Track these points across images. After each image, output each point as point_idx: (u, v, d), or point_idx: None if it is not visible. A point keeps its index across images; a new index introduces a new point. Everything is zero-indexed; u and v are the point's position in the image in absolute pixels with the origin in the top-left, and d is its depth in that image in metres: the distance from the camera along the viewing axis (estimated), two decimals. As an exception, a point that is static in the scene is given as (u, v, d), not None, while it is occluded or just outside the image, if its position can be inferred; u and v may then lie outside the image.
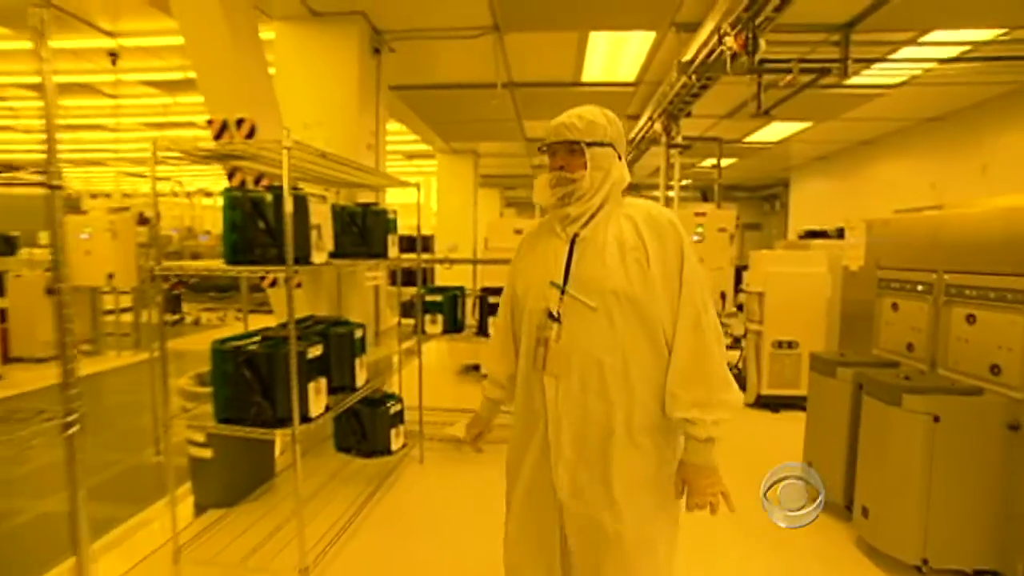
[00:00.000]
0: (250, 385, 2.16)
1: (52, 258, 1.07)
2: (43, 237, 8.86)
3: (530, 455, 1.46)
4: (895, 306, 3.08)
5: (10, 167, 1.22)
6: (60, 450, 3.93)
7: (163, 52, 5.58)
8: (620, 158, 1.45)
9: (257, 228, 2.27)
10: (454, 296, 3.86)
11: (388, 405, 3.29)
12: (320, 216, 2.38)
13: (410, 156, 11.32)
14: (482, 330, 3.74)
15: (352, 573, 2.48)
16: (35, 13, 1.05)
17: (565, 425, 1.39)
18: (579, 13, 3.80)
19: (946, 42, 4.10)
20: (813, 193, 11.46)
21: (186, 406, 2.86)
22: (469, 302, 3.96)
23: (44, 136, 1.05)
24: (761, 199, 14.90)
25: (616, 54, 4.73)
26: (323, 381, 2.33)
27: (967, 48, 4.20)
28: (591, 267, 1.38)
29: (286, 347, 2.15)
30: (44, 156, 1.05)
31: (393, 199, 4.24)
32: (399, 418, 3.36)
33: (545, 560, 1.48)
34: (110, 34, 5.15)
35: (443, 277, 7.16)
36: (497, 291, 3.75)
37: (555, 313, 1.39)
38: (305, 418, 2.17)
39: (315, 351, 2.30)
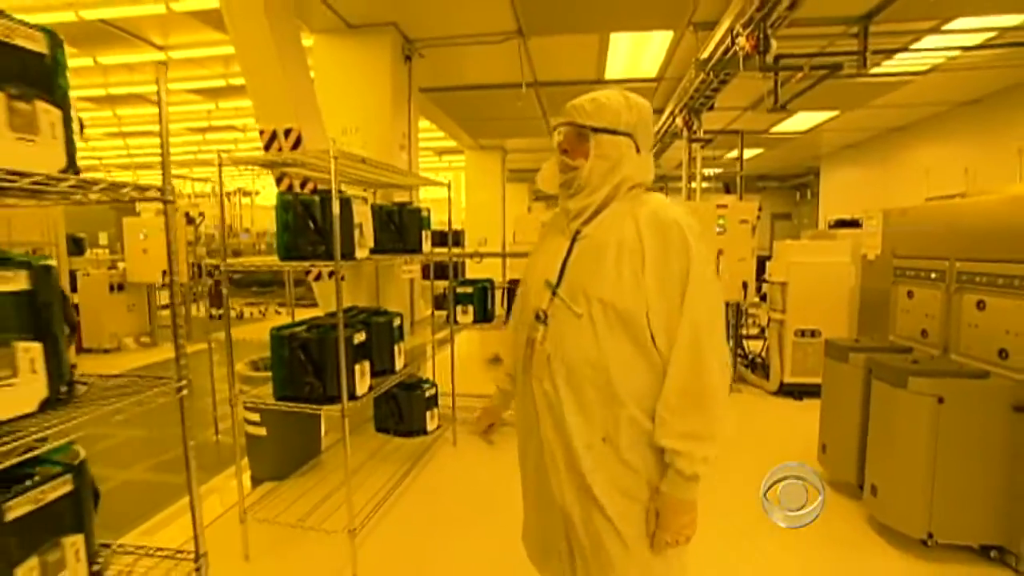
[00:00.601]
0: (304, 367, 2.45)
1: (168, 258, 1.34)
2: (103, 238, 9.51)
3: (530, 456, 1.41)
4: (910, 294, 3.17)
5: (139, 187, 1.43)
6: (136, 429, 4.38)
7: (206, 62, 5.98)
8: (639, 150, 1.29)
9: (307, 228, 2.54)
10: (484, 288, 4.10)
11: (424, 389, 3.55)
12: (362, 216, 2.64)
13: (440, 152, 11.60)
14: (510, 319, 3.96)
15: (393, 535, 2.76)
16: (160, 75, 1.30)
17: (550, 433, 1.31)
18: (599, 16, 3.96)
19: (970, 29, 4.09)
20: (844, 181, 11.26)
21: (243, 388, 3.18)
22: (499, 294, 4.20)
23: (160, 159, 1.32)
24: (791, 188, 14.66)
25: (637, 52, 4.87)
26: (367, 364, 2.59)
27: (992, 34, 4.17)
28: (584, 270, 1.27)
29: (334, 333, 2.42)
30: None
31: (425, 195, 4.50)
32: (434, 401, 3.62)
33: (552, 563, 1.42)
34: (161, 47, 5.56)
35: (473, 270, 7.41)
36: (524, 283, 3.98)
37: (542, 314, 1.31)
38: (352, 396, 2.44)
39: (360, 337, 2.57)
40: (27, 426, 1.11)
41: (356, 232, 2.60)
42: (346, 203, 2.49)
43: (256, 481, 3.48)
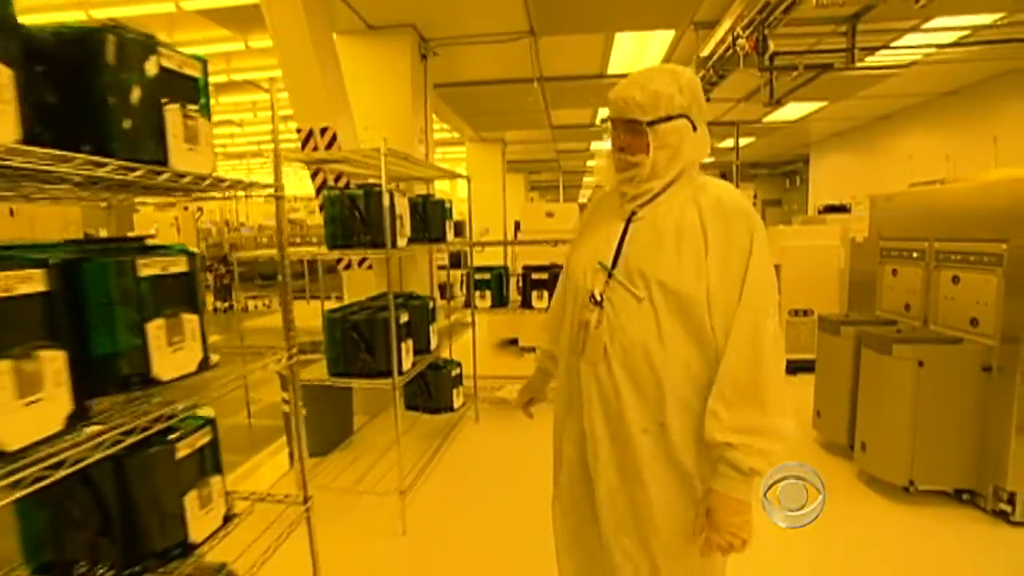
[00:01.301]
0: (357, 345, 2.72)
1: (280, 246, 1.59)
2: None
3: (568, 440, 1.39)
4: (895, 272, 3.50)
5: (256, 183, 1.58)
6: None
7: (210, 58, 6.11)
8: (695, 128, 1.25)
9: (354, 219, 2.80)
10: (500, 274, 4.37)
11: (450, 368, 3.84)
12: (402, 208, 2.90)
13: (439, 144, 11.80)
14: (526, 303, 4.25)
15: (432, 498, 3.06)
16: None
17: (598, 417, 1.29)
18: (607, 17, 4.22)
19: (946, 28, 4.41)
20: (832, 168, 11.64)
21: (281, 372, 3.44)
22: (513, 280, 4.49)
23: (272, 162, 1.58)
24: (781, 175, 15.05)
25: (640, 49, 5.13)
26: (410, 342, 2.87)
27: (966, 33, 4.50)
28: (642, 252, 1.24)
29: (382, 315, 2.69)
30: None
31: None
32: (459, 380, 3.91)
33: (583, 549, 1.40)
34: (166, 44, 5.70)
35: (477, 258, 7.70)
36: (538, 269, 4.26)
37: (597, 297, 1.27)
38: (400, 371, 2.72)
39: (404, 318, 2.84)
40: (192, 383, 1.38)
41: (398, 223, 2.86)
42: (390, 197, 2.75)
43: (295, 458, 3.77)
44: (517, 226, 7.01)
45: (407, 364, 2.81)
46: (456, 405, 3.89)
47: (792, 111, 8.13)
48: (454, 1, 4.00)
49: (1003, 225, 2.68)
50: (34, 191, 1.38)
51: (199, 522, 1.44)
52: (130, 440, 1.17)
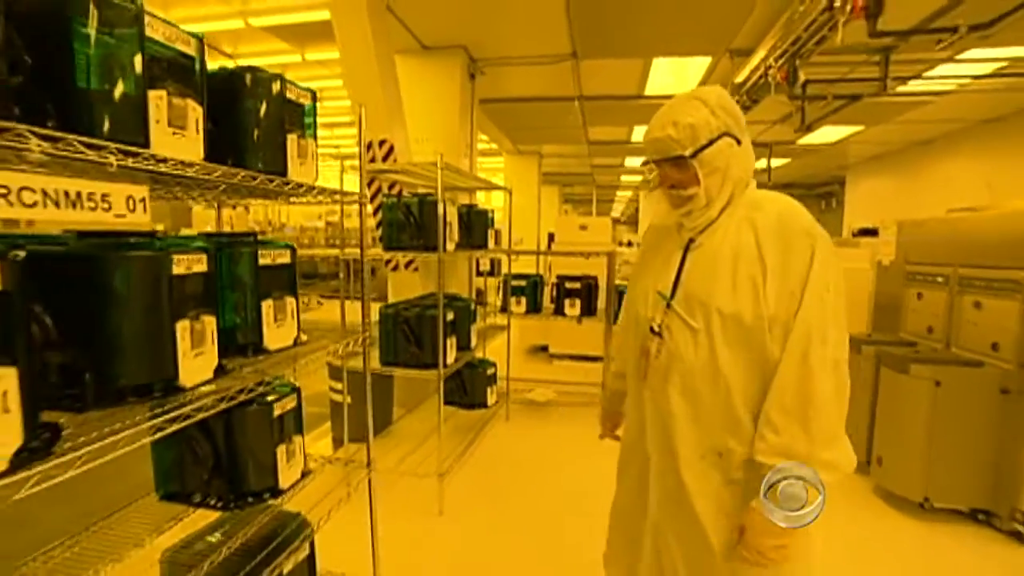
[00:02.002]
0: (407, 339, 3.00)
1: (361, 248, 1.87)
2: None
3: (635, 461, 1.41)
4: (920, 295, 3.61)
5: (346, 192, 1.84)
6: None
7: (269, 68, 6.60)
8: (739, 142, 1.23)
9: (408, 224, 3.10)
10: (535, 282, 4.63)
11: (485, 367, 4.10)
12: (451, 216, 3.19)
13: (479, 155, 12.19)
14: (559, 310, 4.48)
15: (470, 483, 3.31)
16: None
17: (658, 444, 1.30)
18: (647, 42, 4.47)
19: (982, 59, 4.49)
20: (869, 191, 11.55)
21: (332, 362, 3.75)
22: (547, 288, 4.73)
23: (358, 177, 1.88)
24: (816, 196, 14.92)
25: (677, 74, 5.36)
26: (454, 339, 3.14)
27: (1003, 64, 4.57)
28: (700, 281, 1.23)
29: (431, 312, 2.97)
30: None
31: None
32: (493, 379, 4.16)
33: (630, 563, 1.44)
34: (230, 56, 6.20)
35: (509, 267, 7.99)
36: (572, 279, 4.50)
37: (656, 327, 1.28)
38: (444, 364, 2.99)
39: (450, 316, 3.12)
40: (288, 354, 1.67)
41: (448, 229, 3.15)
42: (443, 206, 3.04)
43: (337, 443, 4.06)
44: (551, 237, 7.27)
45: (451, 358, 3.08)
46: (490, 402, 4.14)
47: (828, 134, 8.18)
48: (502, 25, 4.31)
49: (1022, 254, 2.81)
50: (163, 191, 1.70)
51: (285, 472, 1.72)
52: (242, 397, 1.46)
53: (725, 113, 1.22)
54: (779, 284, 1.14)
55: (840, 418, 1.12)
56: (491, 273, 6.98)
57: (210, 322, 1.26)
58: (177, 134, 1.12)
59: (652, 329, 1.29)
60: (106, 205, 0.98)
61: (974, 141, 7.98)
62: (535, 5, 3.88)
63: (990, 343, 2.99)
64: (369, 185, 3.94)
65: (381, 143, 3.75)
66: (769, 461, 1.12)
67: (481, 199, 13.78)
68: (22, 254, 0.85)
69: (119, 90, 0.99)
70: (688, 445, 1.24)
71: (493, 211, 4.15)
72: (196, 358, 1.20)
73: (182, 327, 1.17)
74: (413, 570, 2.50)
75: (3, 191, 0.81)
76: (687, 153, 1.20)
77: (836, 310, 1.13)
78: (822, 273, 1.13)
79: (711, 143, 1.20)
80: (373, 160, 3.78)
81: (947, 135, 8.34)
